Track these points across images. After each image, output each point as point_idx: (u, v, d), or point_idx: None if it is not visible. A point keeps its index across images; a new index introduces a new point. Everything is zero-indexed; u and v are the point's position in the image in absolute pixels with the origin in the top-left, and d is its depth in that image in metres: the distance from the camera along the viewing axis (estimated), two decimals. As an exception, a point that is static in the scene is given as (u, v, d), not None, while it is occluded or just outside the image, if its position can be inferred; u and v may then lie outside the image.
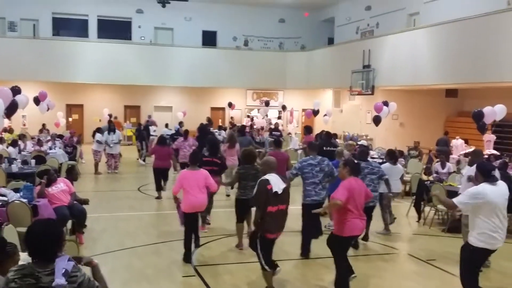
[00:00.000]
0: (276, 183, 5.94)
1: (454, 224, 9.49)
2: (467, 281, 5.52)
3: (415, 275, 7.26)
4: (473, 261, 5.53)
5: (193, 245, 7.60)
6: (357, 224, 6.02)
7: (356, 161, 6.70)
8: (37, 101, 18.46)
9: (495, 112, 13.75)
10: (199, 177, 7.49)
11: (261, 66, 26.24)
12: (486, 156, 14.01)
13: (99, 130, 16.76)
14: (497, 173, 6.34)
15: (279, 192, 5.90)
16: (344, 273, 6.13)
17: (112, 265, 7.28)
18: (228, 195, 11.94)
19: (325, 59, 25.41)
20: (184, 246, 7.47)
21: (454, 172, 11.80)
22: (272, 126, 22.33)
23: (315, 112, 22.31)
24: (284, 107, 25.90)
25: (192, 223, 7.53)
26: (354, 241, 7.21)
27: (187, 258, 7.43)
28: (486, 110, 13.81)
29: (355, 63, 21.62)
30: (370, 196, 6.45)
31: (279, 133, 19.02)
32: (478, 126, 14.04)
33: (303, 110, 27.26)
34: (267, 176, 6.05)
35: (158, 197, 12.15)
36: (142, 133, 19.42)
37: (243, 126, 18.55)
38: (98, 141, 16.17)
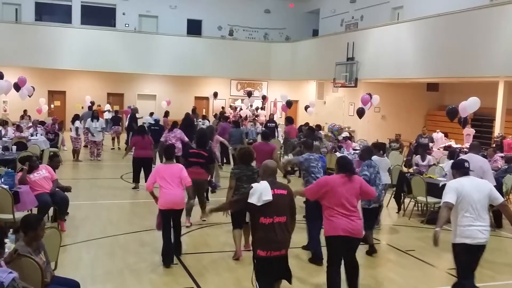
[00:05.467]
0: (263, 190, 4.90)
1: (433, 216, 9.68)
2: None
3: (394, 266, 7.40)
4: None
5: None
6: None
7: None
8: (17, 87, 18.23)
9: (465, 107, 13.99)
10: (174, 171, 6.95)
11: (246, 56, 26.22)
12: (465, 150, 14.28)
13: (78, 117, 16.70)
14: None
15: (270, 200, 4.86)
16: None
17: (95, 253, 7.31)
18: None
19: (310, 50, 25.48)
20: (162, 251, 6.84)
21: (434, 164, 11.99)
22: (265, 118, 21.73)
23: (289, 104, 21.97)
24: (264, 97, 25.87)
25: (169, 223, 6.83)
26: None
27: (166, 260, 6.82)
28: (461, 105, 14.09)
29: (339, 55, 21.74)
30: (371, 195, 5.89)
31: (274, 124, 18.83)
32: (458, 120, 14.29)
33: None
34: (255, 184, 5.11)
35: (135, 188, 11.86)
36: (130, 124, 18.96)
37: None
38: (77, 128, 16.12)
